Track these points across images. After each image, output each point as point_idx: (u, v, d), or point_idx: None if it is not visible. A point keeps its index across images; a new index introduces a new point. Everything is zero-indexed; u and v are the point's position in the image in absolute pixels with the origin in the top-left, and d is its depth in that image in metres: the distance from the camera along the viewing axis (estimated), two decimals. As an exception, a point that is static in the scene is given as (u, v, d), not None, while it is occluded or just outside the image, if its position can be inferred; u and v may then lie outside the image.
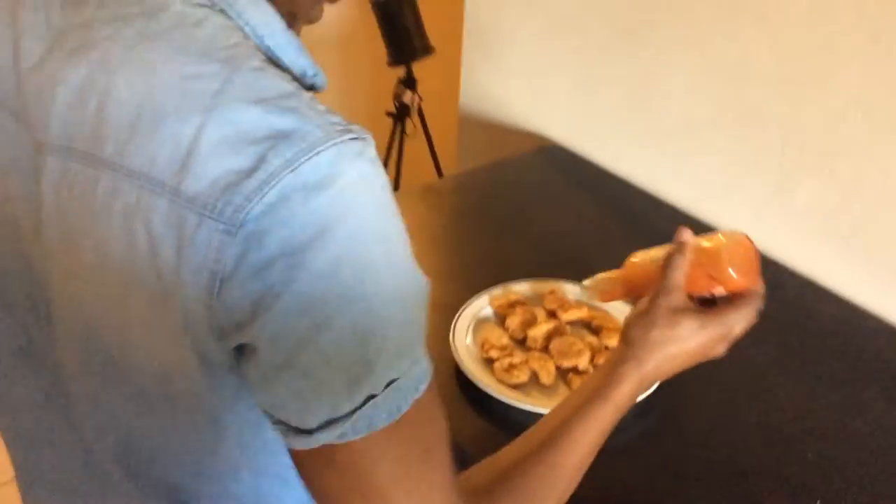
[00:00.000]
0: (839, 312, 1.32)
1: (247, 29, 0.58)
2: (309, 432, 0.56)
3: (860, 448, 1.05)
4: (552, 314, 1.20)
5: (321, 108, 0.55)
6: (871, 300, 1.32)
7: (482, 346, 1.14)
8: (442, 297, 1.26)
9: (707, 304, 0.81)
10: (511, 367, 1.10)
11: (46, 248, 0.60)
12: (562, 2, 1.67)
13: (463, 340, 1.15)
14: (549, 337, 1.15)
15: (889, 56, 1.19)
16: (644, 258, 0.90)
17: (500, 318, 1.20)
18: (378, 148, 0.56)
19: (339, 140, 0.53)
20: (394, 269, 0.56)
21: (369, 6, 2.12)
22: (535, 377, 1.10)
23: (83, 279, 0.59)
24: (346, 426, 0.56)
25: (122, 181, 0.54)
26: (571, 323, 1.19)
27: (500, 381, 1.09)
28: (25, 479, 0.82)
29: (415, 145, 2.49)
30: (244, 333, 0.54)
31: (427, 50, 2.17)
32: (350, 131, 0.54)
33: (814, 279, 1.38)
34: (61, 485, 0.77)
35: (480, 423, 1.07)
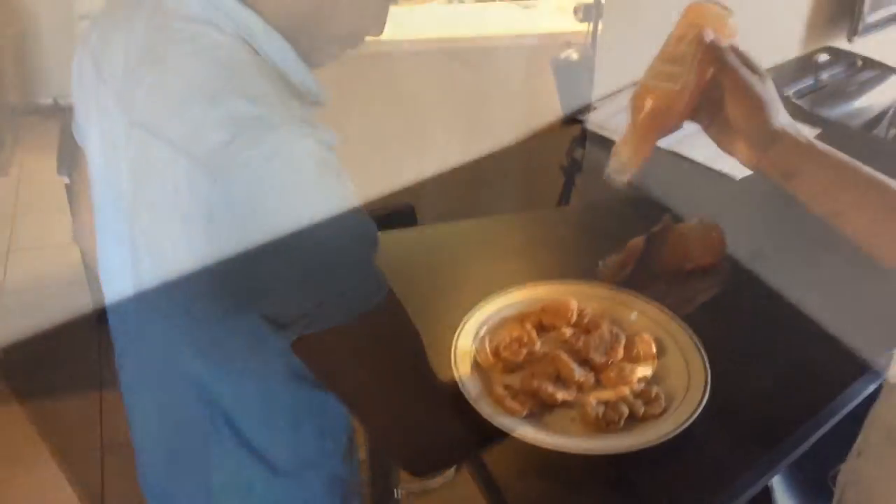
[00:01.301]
0: None
1: (261, 53, 0.83)
2: (285, 326, 0.80)
3: None
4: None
5: (293, 105, 0.80)
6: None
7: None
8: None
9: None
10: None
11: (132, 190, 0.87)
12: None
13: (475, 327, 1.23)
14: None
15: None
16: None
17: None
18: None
19: (291, 125, 0.77)
20: (333, 215, 0.77)
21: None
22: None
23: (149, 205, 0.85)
24: (307, 321, 0.79)
25: (162, 144, 0.80)
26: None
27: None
28: None
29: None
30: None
31: (600, 112, 2.29)
32: (305, 123, 0.78)
33: None
34: None
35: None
